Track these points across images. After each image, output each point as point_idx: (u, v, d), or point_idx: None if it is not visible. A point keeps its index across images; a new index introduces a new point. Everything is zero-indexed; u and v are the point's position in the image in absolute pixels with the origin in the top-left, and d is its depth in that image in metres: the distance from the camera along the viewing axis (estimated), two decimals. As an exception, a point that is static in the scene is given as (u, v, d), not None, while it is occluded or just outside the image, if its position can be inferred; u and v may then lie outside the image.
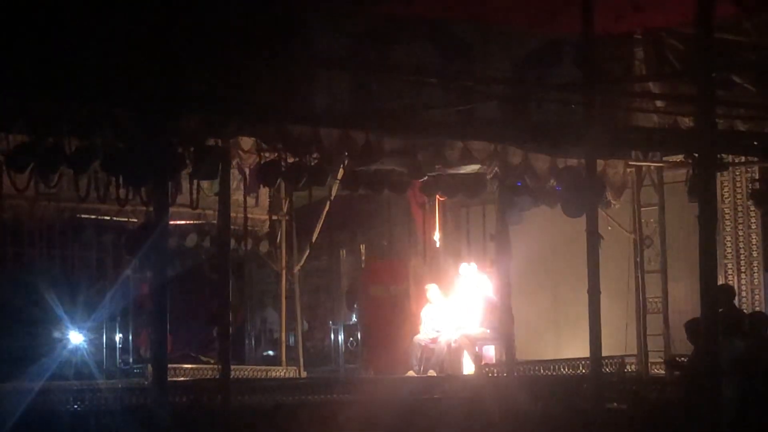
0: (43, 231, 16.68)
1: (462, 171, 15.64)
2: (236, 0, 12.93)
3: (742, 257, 17.02)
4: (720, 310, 11.29)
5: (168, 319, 11.56)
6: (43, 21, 11.44)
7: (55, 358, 16.07)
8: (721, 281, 15.58)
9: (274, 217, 17.93)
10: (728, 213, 17.05)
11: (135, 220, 15.80)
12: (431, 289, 17.43)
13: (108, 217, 16.47)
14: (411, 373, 16.62)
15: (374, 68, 13.48)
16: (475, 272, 17.42)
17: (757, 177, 16.71)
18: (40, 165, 12.69)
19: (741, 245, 17.03)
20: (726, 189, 17.02)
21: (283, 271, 18.16)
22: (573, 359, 16.04)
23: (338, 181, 16.50)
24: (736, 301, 15.14)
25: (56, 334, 17.26)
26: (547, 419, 13.34)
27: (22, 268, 17.02)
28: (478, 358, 16.57)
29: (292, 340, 18.44)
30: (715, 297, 10.76)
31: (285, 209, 18.12)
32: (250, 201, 16.74)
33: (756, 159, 16.22)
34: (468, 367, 16.65)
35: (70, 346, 17.10)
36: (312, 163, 14.13)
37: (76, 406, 12.20)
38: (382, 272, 19.63)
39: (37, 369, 14.28)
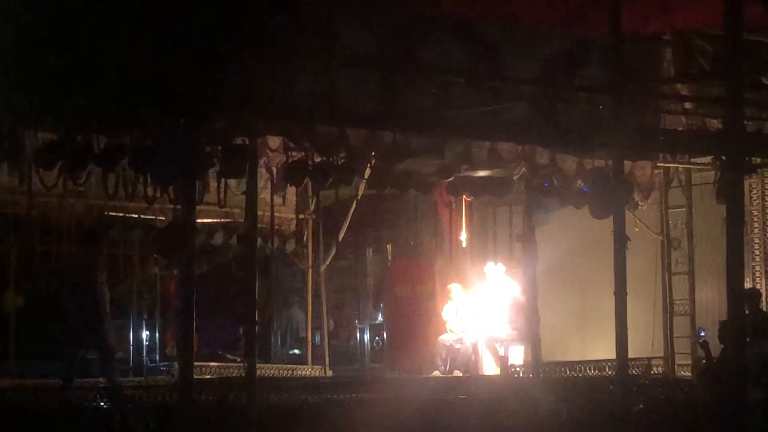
0: (71, 228, 16.75)
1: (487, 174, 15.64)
2: (264, -1, 12.96)
3: (770, 260, 16.91)
4: (746, 312, 11.27)
5: (194, 317, 11.61)
6: (72, 20, 11.50)
7: (82, 354, 16.13)
8: (748, 284, 15.52)
9: (301, 216, 18.00)
10: (756, 215, 16.95)
11: (162, 218, 15.86)
12: (454, 288, 17.41)
13: (136, 215, 16.51)
14: (436, 372, 16.61)
15: (401, 68, 13.47)
16: (501, 273, 17.39)
17: (786, 180, 16.64)
18: (68, 162, 12.79)
19: (769, 248, 16.93)
20: (754, 191, 16.92)
21: (310, 270, 18.18)
22: (599, 360, 16.00)
23: (365, 181, 16.51)
24: (763, 305, 15.06)
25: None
26: (573, 421, 13.31)
27: (50, 264, 17.10)
28: (503, 359, 16.55)
29: (318, 338, 18.46)
30: (742, 300, 10.73)
31: (312, 208, 18.17)
32: (277, 200, 16.77)
33: (785, 162, 16.13)
34: (494, 368, 16.63)
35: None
36: (339, 163, 14.15)
37: (102, 403, 12.26)
38: (408, 272, 19.59)
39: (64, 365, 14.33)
